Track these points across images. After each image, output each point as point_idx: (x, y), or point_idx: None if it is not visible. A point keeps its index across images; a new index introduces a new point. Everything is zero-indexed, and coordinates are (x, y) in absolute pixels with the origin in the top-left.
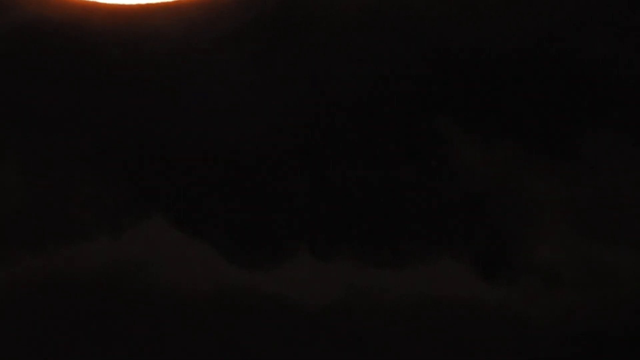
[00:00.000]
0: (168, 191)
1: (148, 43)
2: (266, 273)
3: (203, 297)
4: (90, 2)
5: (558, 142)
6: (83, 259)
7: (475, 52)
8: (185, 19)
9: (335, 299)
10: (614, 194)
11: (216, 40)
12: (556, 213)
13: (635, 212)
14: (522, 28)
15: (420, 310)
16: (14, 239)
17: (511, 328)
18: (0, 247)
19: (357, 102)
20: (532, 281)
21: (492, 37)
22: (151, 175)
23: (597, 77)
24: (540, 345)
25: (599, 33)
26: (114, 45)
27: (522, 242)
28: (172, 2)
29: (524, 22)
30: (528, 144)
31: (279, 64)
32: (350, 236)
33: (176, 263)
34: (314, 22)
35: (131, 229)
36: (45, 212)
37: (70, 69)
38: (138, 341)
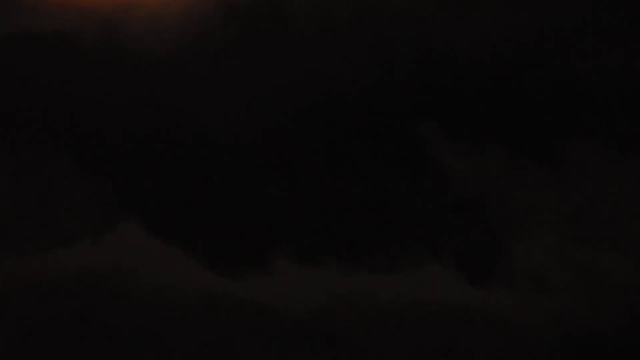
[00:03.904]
0: (149, 198)
1: (133, 49)
2: (249, 279)
3: (184, 304)
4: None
5: (546, 150)
6: (64, 264)
7: (464, 62)
8: (176, 18)
9: (321, 306)
10: (601, 201)
11: (203, 45)
12: (545, 219)
13: (622, 218)
14: (512, 38)
15: (410, 316)
16: None
17: (501, 332)
18: None
19: (346, 107)
20: (521, 286)
21: (480, 47)
22: (132, 182)
23: (585, 87)
24: (530, 348)
25: (586, 45)
26: (97, 52)
27: (512, 247)
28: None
29: (514, 33)
30: (517, 152)
31: (266, 67)
32: (336, 242)
33: (157, 269)
34: (303, 26)
35: (112, 235)
36: (26, 217)
37: (52, 79)
38: (117, 345)
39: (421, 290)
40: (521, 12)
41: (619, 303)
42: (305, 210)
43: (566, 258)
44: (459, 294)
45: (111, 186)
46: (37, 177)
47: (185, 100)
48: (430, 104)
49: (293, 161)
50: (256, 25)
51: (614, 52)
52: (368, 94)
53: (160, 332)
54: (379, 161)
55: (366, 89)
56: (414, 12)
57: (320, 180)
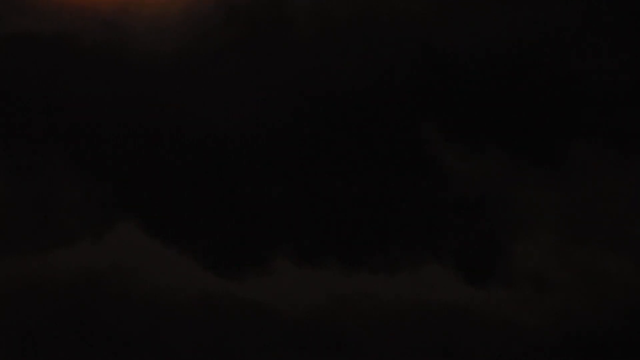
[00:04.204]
0: (149, 198)
1: (132, 50)
2: (248, 280)
3: (183, 304)
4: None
5: (546, 150)
6: (63, 264)
7: (464, 62)
8: (177, 18)
9: (321, 306)
10: (601, 201)
11: (203, 45)
12: (545, 219)
13: (622, 218)
14: (511, 38)
15: (409, 316)
16: None
17: (501, 332)
18: None
19: (346, 107)
20: (521, 286)
21: (480, 47)
22: (132, 182)
23: (585, 87)
24: (530, 348)
25: (586, 45)
26: (97, 53)
27: (511, 247)
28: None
29: (514, 33)
30: (517, 152)
31: (266, 68)
32: (336, 242)
33: (157, 269)
34: (303, 26)
35: (112, 235)
36: (26, 218)
37: (52, 80)
38: (117, 345)
39: (421, 290)
40: (520, 13)
41: (618, 303)
42: (305, 211)
43: (566, 258)
44: (459, 294)
45: (111, 187)
46: (36, 177)
47: (184, 101)
48: (430, 104)
49: (292, 161)
50: (256, 25)
51: (614, 52)
52: (368, 95)
53: (159, 333)
54: (378, 161)
55: (366, 90)
56: (414, 13)
57: (320, 181)
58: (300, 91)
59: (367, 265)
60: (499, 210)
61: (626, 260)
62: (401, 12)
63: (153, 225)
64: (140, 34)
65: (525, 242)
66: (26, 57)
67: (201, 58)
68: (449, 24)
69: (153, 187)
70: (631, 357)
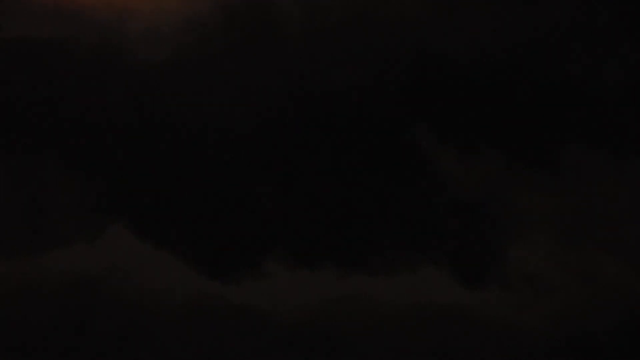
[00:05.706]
0: (141, 201)
1: (126, 54)
2: (242, 283)
3: (177, 307)
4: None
5: (542, 153)
6: (56, 267)
7: (459, 65)
8: (172, 24)
9: (316, 309)
10: (597, 203)
11: (197, 50)
12: (541, 222)
13: (618, 220)
14: (507, 42)
15: (406, 318)
16: None
17: (498, 334)
18: None
19: (341, 110)
20: (518, 288)
21: (476, 50)
22: (125, 186)
23: (581, 90)
24: (527, 350)
25: (581, 51)
26: (92, 58)
27: (508, 250)
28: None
29: (509, 37)
30: (513, 155)
31: (261, 73)
32: (332, 245)
33: (150, 272)
34: (298, 31)
35: (107, 238)
36: (20, 221)
37: (46, 84)
38: (110, 347)
39: (418, 292)
40: (516, 17)
41: (615, 304)
42: (300, 213)
43: (562, 260)
44: (456, 296)
45: (104, 190)
46: (30, 180)
47: (178, 105)
48: (425, 107)
49: (287, 164)
50: (251, 29)
51: (610, 56)
52: (363, 97)
53: (152, 335)
54: (375, 164)
55: (361, 92)
56: (409, 16)
57: (315, 183)
58: (294, 94)
59: (364, 268)
60: (496, 212)
61: (622, 262)
62: (396, 15)
63: (146, 228)
64: (136, 38)
65: (521, 245)
66: (22, 61)
67: (196, 62)
68: (445, 27)
69: (146, 191)
70: (628, 358)
